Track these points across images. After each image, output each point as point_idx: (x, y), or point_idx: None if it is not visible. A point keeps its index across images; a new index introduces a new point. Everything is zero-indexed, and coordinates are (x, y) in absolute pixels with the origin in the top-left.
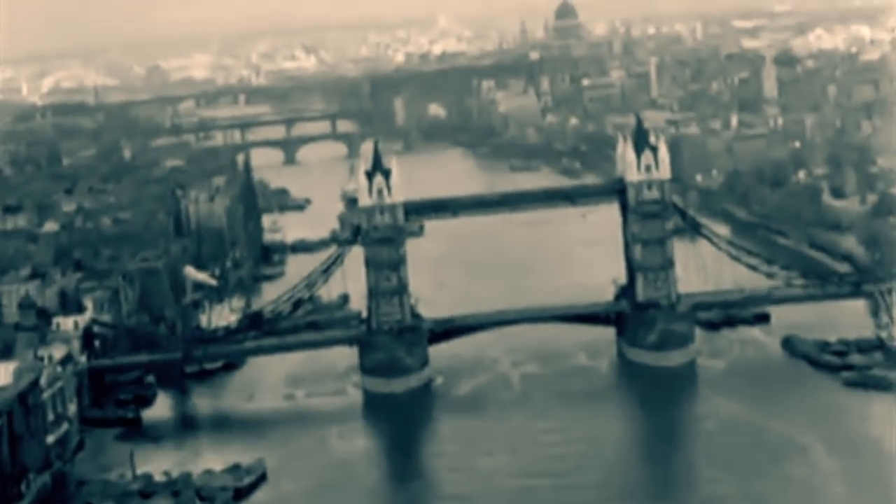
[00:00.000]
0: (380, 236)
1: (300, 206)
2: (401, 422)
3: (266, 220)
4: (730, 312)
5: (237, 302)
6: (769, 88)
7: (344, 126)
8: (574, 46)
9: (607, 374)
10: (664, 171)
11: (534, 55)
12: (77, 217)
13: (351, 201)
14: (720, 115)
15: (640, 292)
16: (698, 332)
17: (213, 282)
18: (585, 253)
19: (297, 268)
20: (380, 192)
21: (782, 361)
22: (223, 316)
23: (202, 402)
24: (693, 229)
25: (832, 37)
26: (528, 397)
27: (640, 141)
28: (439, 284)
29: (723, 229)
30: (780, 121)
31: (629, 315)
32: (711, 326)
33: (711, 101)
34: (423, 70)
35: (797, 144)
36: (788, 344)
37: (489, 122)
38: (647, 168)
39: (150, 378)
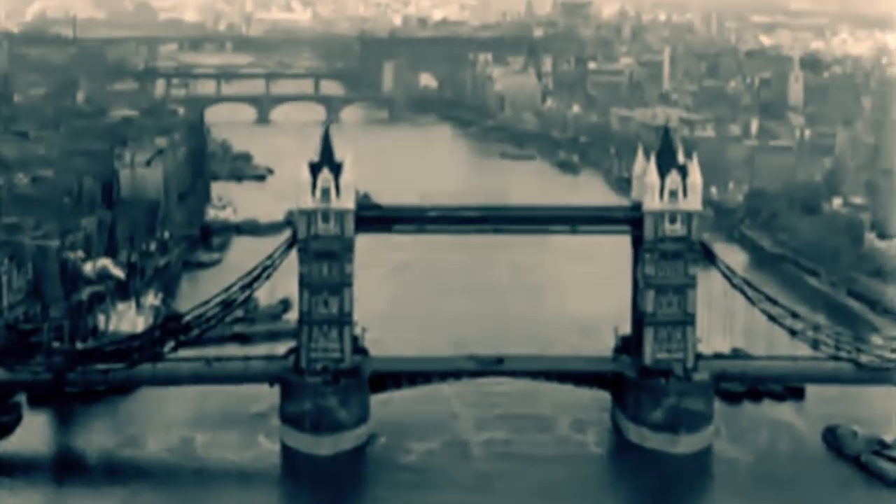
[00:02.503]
0: (320, 249)
1: (260, 176)
2: (323, 495)
3: (217, 191)
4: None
5: (152, 299)
6: (795, 94)
7: (328, 87)
8: (581, 26)
9: (597, 458)
10: (694, 201)
11: (538, 32)
12: None
13: None
14: (739, 119)
15: (648, 352)
16: (716, 405)
17: (118, 272)
18: (581, 273)
19: (241, 255)
20: (326, 192)
21: (823, 460)
22: (128, 318)
23: (79, 434)
24: (725, 278)
25: (857, 43)
26: (489, 480)
27: (667, 158)
28: (395, 305)
29: (740, 257)
30: (807, 132)
31: (632, 381)
32: (731, 397)
33: (729, 101)
34: (419, 35)
35: (827, 162)
36: (832, 437)
37: (483, 100)
38: (673, 194)
39: (20, 397)
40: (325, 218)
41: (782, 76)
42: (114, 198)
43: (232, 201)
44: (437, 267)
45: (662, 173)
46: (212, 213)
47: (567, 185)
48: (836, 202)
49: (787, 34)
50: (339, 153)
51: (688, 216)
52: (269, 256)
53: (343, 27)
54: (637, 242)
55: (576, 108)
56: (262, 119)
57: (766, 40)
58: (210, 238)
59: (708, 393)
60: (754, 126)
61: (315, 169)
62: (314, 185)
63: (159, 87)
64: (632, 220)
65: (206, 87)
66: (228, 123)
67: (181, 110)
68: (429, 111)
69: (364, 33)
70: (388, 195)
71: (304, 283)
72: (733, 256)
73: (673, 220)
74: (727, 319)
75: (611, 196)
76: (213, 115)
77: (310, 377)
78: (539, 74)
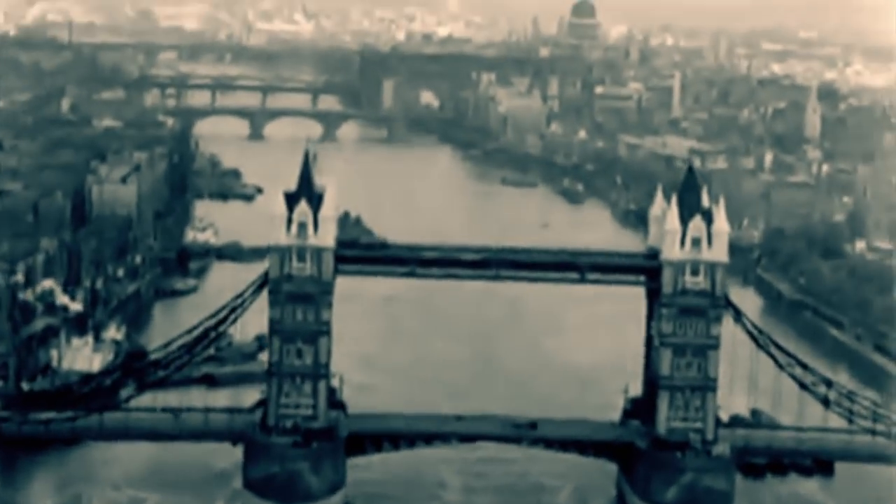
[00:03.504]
0: (294, 292)
1: (248, 196)
2: None
3: (201, 210)
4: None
5: (114, 332)
6: (812, 126)
7: (326, 102)
8: (588, 48)
9: None
10: (720, 251)
11: (544, 52)
12: None
13: None
14: (752, 151)
15: (662, 420)
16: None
17: (66, 300)
18: (585, 314)
19: (220, 282)
20: (302, 227)
21: None
22: (84, 355)
23: (17, 490)
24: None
25: (872, 75)
26: None
27: (690, 200)
28: (379, 346)
29: (755, 302)
30: (824, 168)
31: (643, 453)
32: (753, 470)
33: (741, 131)
34: (422, 52)
35: (847, 201)
36: None
37: (485, 122)
38: (696, 243)
39: None
40: (301, 256)
41: (797, 107)
42: (84, 216)
43: (214, 223)
44: (427, 302)
45: (684, 218)
46: (191, 236)
47: (570, 216)
48: (860, 245)
49: (799, 63)
50: (325, 177)
51: (712, 268)
52: (239, 296)
53: (345, 40)
54: (653, 294)
55: (582, 134)
56: (255, 134)
57: (777, 69)
58: (187, 263)
59: (729, 469)
60: (768, 159)
61: (291, 200)
62: (289, 219)
63: (152, 97)
64: (648, 269)
65: (201, 99)
66: (219, 137)
67: (169, 122)
68: (429, 131)
69: (365, 47)
70: (381, 220)
71: (274, 329)
72: (748, 301)
73: (695, 272)
74: (746, 375)
75: (617, 231)
76: (204, 128)
77: (278, 437)
78: (544, 97)
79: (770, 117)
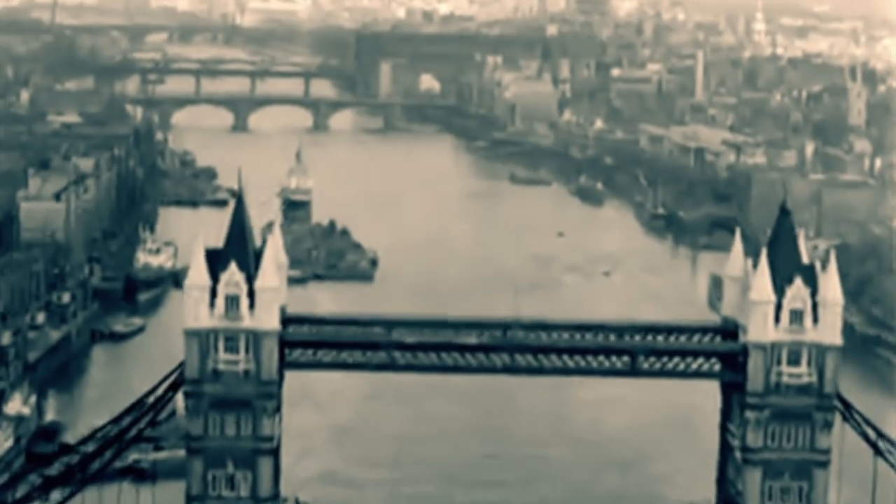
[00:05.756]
0: (221, 396)
1: (221, 202)
2: None
3: (165, 219)
4: None
5: (18, 405)
6: (856, 112)
7: (319, 88)
8: (598, 24)
9: None
10: (830, 330)
11: (551, 29)
12: None
13: (290, 204)
14: (792, 142)
15: None
16: None
17: None
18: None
19: (175, 319)
20: (232, 302)
21: None
22: None
23: None
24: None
25: None
26: None
27: (785, 254)
28: (349, 463)
29: None
30: (877, 162)
31: None
32: None
33: (774, 118)
34: (422, 32)
35: None
36: None
37: (491, 109)
38: (796, 318)
39: None
40: (232, 345)
41: (835, 90)
42: (12, 242)
43: (173, 241)
44: (417, 393)
45: (777, 280)
46: (142, 259)
47: (589, 220)
48: None
49: (822, 39)
50: (308, 179)
51: (820, 353)
52: (151, 392)
53: (342, 17)
54: (732, 388)
55: (598, 124)
56: (240, 125)
57: (800, 45)
58: (135, 295)
59: None
60: (809, 150)
61: (216, 262)
62: (214, 291)
63: (133, 83)
64: (726, 355)
65: (185, 85)
66: (199, 129)
67: (139, 112)
68: (429, 120)
69: (362, 27)
70: (372, 230)
71: (193, 449)
72: None
73: (795, 360)
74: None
75: (644, 239)
76: (183, 118)
77: None
78: (555, 80)
79: (805, 102)
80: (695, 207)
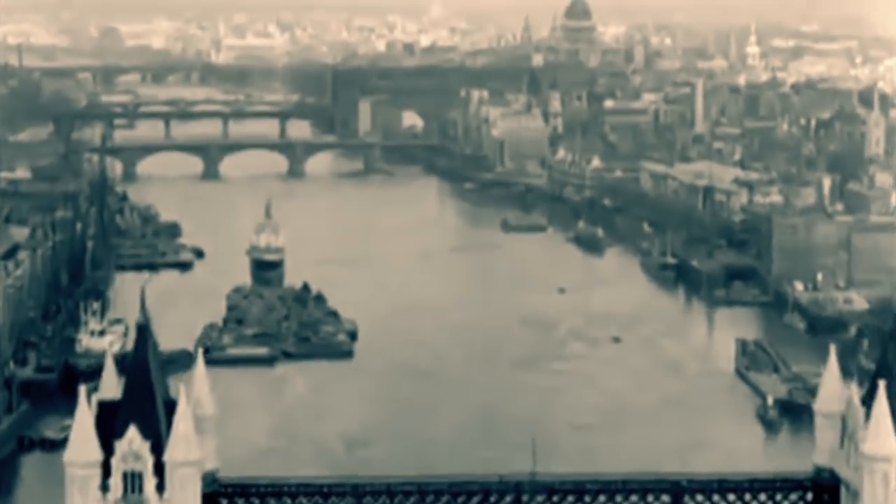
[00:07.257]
0: None
1: (184, 264)
2: None
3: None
4: None
5: None
6: (874, 142)
7: (296, 128)
8: (585, 52)
9: None
10: None
11: (537, 58)
12: None
13: (258, 265)
14: (807, 178)
15: None
16: None
17: None
18: None
19: None
20: (133, 481)
21: None
22: None
23: None
24: None
25: None
26: None
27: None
28: None
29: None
30: None
31: None
32: None
33: (785, 150)
34: (403, 65)
35: None
36: None
37: (478, 148)
38: None
39: None
40: None
41: (846, 116)
42: None
43: (123, 319)
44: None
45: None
46: (84, 343)
47: (590, 271)
48: None
49: (818, 61)
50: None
51: None
52: None
53: (321, 52)
54: None
55: (595, 162)
56: (210, 173)
57: (795, 67)
58: (75, 387)
59: None
60: (827, 186)
61: (109, 424)
62: (106, 466)
63: (97, 129)
64: None
65: (154, 130)
66: (165, 179)
67: (94, 160)
68: (412, 160)
69: (340, 61)
70: (349, 293)
71: None
72: None
73: None
74: None
75: (653, 293)
76: (151, 165)
77: None
78: (545, 115)
79: (815, 131)
80: (708, 256)
